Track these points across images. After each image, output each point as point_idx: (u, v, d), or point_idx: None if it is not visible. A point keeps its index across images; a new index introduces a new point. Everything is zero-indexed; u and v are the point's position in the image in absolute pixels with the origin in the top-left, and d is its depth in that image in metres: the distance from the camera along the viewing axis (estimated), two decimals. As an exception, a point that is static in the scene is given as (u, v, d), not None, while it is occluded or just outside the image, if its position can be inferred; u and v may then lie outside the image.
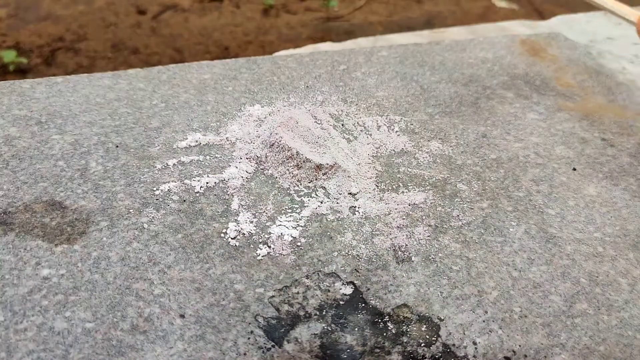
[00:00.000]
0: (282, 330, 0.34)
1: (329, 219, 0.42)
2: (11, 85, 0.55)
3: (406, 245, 0.41)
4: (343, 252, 0.40)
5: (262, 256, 0.39)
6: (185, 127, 0.51)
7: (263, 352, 0.33)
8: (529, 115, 0.57)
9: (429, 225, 0.43)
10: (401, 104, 0.57)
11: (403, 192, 0.45)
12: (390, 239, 0.41)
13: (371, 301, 0.37)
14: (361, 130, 0.52)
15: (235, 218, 0.42)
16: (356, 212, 0.43)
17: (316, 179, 0.46)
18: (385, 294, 0.37)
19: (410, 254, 0.40)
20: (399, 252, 0.40)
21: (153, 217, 0.41)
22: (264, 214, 0.42)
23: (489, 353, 0.34)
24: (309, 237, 0.41)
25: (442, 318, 0.36)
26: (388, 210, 0.44)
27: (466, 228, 0.43)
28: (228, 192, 0.44)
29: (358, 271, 0.39)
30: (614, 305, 0.38)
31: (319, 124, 0.51)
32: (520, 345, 0.35)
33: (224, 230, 0.41)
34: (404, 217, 0.43)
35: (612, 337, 0.36)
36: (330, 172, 0.46)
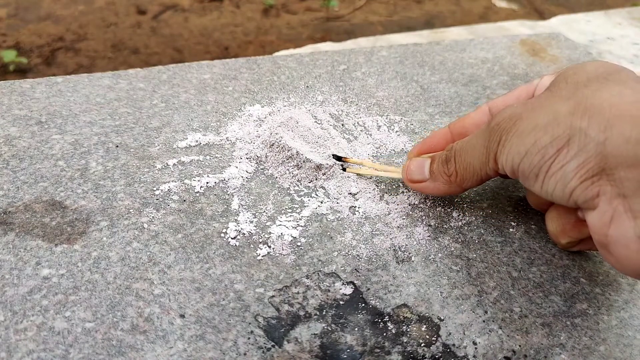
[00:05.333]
0: (282, 330, 0.34)
1: (329, 219, 0.43)
2: (11, 85, 0.55)
3: (406, 245, 0.41)
4: (343, 252, 0.40)
5: (262, 256, 0.39)
6: (185, 127, 0.51)
7: (263, 352, 0.33)
8: (529, 115, 0.57)
9: (429, 225, 0.43)
10: (401, 104, 0.57)
11: (403, 192, 0.45)
12: (390, 239, 0.41)
13: (371, 301, 0.37)
14: (361, 130, 0.52)
15: (235, 218, 0.42)
16: (356, 212, 0.43)
17: (316, 179, 0.46)
18: (385, 294, 0.37)
19: (410, 254, 0.40)
20: (399, 252, 0.40)
21: (153, 217, 0.41)
22: (264, 214, 0.42)
23: (489, 353, 0.34)
24: (309, 237, 0.41)
25: (442, 318, 0.36)
26: (388, 210, 0.44)
27: (466, 228, 0.43)
28: (228, 192, 0.44)
29: (358, 271, 0.39)
30: (614, 305, 0.38)
31: (319, 124, 0.51)
32: (520, 345, 0.35)
33: (224, 230, 0.41)
34: (404, 217, 0.43)
35: (612, 337, 0.36)
36: (330, 172, 0.46)
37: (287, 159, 0.46)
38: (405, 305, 0.37)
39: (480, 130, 0.37)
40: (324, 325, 0.35)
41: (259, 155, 0.48)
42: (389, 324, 0.35)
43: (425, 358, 0.34)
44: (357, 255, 0.40)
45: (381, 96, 0.58)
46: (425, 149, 0.44)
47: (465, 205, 0.45)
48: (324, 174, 0.46)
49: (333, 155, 0.46)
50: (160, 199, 0.43)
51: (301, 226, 0.42)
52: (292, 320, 0.35)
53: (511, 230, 0.43)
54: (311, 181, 0.46)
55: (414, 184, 0.42)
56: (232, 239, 0.40)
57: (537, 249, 0.41)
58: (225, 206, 0.43)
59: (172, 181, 0.45)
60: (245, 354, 0.33)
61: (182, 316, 0.35)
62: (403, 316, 0.36)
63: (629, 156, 0.29)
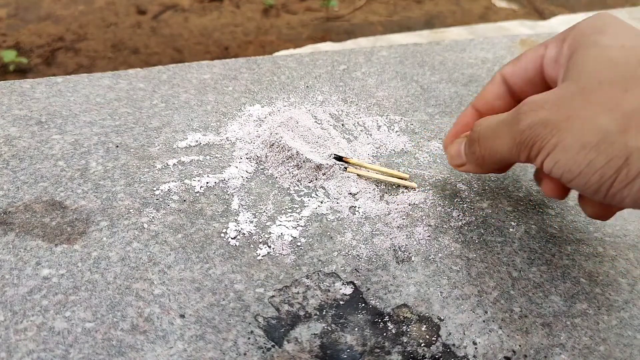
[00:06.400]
0: (282, 330, 0.34)
1: (329, 219, 0.43)
2: (11, 85, 0.55)
3: (406, 245, 0.41)
4: (343, 252, 0.40)
5: (262, 256, 0.39)
6: (185, 127, 0.51)
7: (263, 352, 0.33)
8: (529, 115, 0.57)
9: (429, 225, 0.43)
10: (401, 104, 0.57)
11: (403, 192, 0.45)
12: (390, 239, 0.41)
13: (371, 301, 0.37)
14: (361, 130, 0.52)
15: (235, 218, 0.42)
16: (356, 212, 0.43)
17: (316, 179, 0.46)
18: (385, 294, 0.37)
19: (410, 254, 0.40)
20: (399, 252, 0.40)
21: (153, 217, 0.41)
22: (264, 214, 0.42)
23: (489, 353, 0.34)
24: (309, 237, 0.41)
25: (442, 318, 0.36)
26: (388, 210, 0.44)
27: (466, 228, 0.43)
28: (228, 192, 0.44)
29: (358, 271, 0.39)
30: (614, 305, 0.38)
31: (319, 124, 0.52)
32: (520, 345, 0.35)
33: (224, 230, 0.41)
34: (404, 217, 0.43)
35: (612, 337, 0.36)
36: (330, 172, 0.46)
37: (287, 159, 0.46)
38: (405, 305, 0.37)
39: (505, 121, 0.34)
40: (324, 325, 0.35)
41: (259, 155, 0.48)
42: (389, 324, 0.35)
43: (425, 358, 0.34)
44: (357, 255, 0.40)
45: (381, 96, 0.58)
46: (456, 133, 0.42)
47: (465, 205, 0.45)
48: (324, 174, 0.46)
49: (334, 155, 0.46)
50: (160, 199, 0.43)
51: (301, 226, 0.42)
52: (292, 320, 0.35)
53: (511, 230, 0.43)
54: (311, 181, 0.46)
55: (459, 168, 0.41)
56: (232, 239, 0.40)
57: (537, 249, 0.41)
58: (225, 206, 0.43)
59: (172, 181, 0.45)
60: (245, 354, 0.33)
61: (182, 316, 0.35)
62: (403, 316, 0.36)
63: None
